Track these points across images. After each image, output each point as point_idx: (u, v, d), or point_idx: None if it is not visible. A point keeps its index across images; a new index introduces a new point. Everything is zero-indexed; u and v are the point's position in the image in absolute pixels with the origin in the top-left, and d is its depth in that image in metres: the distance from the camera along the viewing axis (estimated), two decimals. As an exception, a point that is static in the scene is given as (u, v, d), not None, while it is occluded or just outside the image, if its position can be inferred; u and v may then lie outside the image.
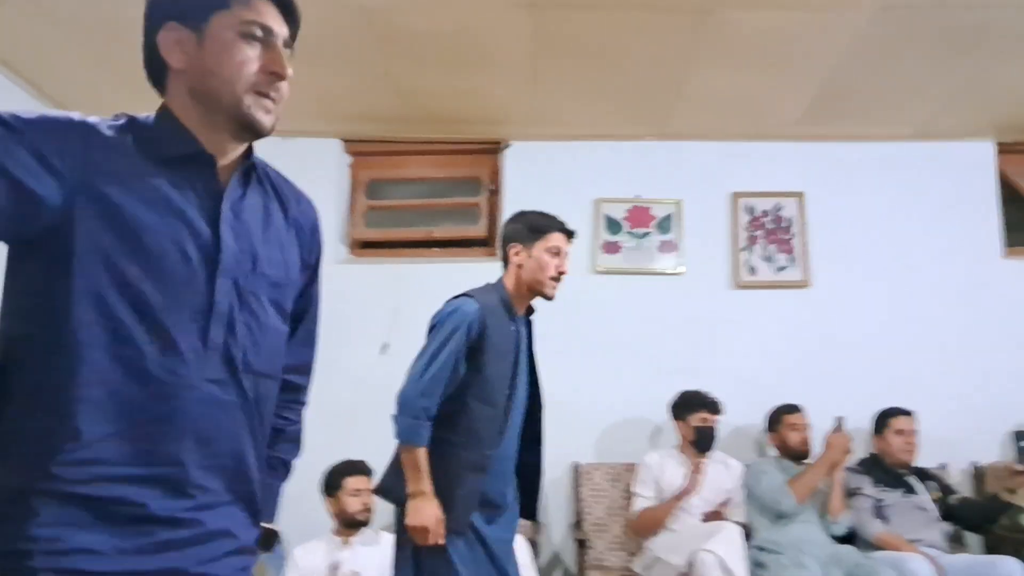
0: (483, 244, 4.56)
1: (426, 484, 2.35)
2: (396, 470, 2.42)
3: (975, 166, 4.53)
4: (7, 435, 1.11)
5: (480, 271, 4.51)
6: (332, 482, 3.48)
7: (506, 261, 2.63)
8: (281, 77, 1.24)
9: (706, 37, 3.54)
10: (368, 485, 3.38)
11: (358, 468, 3.47)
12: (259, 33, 1.22)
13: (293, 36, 1.29)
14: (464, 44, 3.64)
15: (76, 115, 1.17)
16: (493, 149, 4.62)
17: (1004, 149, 4.54)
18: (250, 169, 1.31)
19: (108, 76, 3.80)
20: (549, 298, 2.57)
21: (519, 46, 3.65)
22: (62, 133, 1.13)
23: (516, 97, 4.13)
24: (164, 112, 1.25)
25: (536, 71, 3.87)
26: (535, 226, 2.58)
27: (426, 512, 2.32)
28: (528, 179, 4.54)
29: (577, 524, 4.02)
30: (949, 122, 4.36)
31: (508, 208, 4.52)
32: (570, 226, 2.63)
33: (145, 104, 1.28)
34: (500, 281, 2.61)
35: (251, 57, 1.21)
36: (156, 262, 1.15)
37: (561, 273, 2.56)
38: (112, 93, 3.94)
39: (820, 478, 3.72)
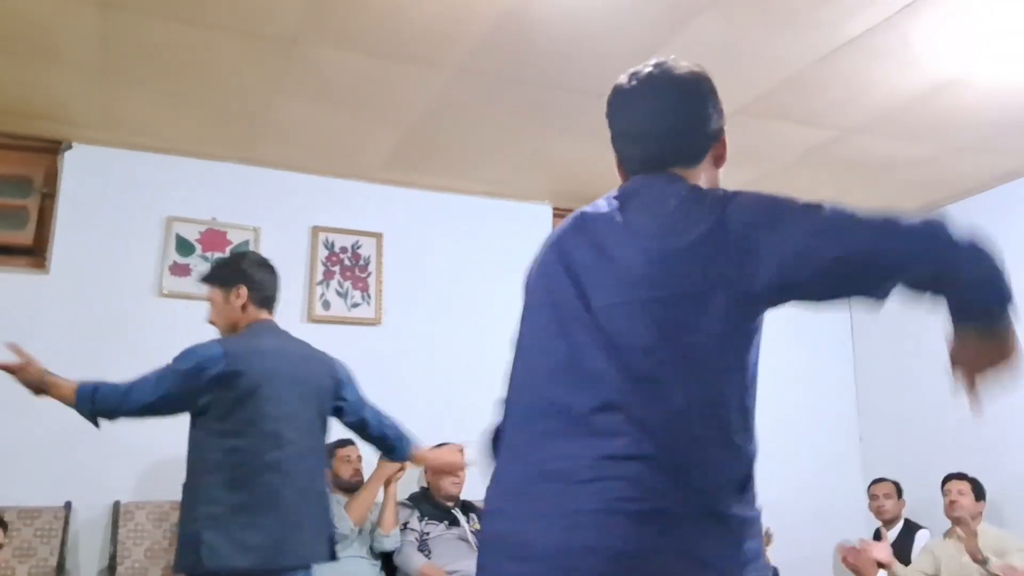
0: (30, 253, 4.01)
1: None
2: None
3: (534, 224, 5.00)
4: None
5: (25, 283, 4.03)
6: None
7: None
8: None
9: (291, 68, 3.49)
10: None
11: None
12: None
13: None
14: (19, 31, 3.19)
15: None
16: (51, 149, 4.09)
17: (558, 213, 5.10)
18: None
19: None
20: None
21: (86, 44, 3.29)
22: None
23: (81, 97, 3.72)
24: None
25: (105, 73, 3.52)
26: None
27: None
28: (91, 185, 4.12)
29: (111, 568, 3.67)
30: (515, 184, 4.80)
31: (64, 214, 4.06)
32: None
33: None
34: None
35: None
36: None
37: None
38: None
39: (374, 496, 3.80)
